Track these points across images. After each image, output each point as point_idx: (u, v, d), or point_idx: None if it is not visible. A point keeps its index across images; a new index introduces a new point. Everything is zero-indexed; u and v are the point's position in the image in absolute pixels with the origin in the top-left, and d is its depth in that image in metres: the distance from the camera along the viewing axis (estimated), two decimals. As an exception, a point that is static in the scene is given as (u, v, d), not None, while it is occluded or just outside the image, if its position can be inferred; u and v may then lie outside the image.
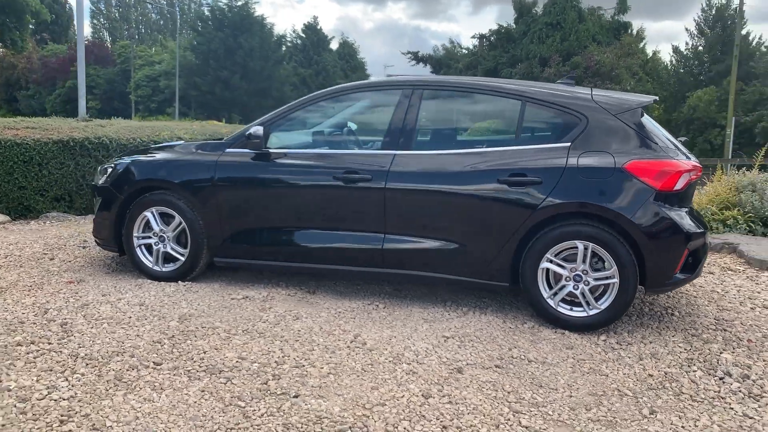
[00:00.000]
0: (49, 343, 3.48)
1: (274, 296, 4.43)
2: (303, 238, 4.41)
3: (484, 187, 4.03)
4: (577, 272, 3.93)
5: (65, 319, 3.85)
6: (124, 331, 3.71)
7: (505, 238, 4.01)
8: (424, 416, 2.88)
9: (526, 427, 2.84)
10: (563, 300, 3.99)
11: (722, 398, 3.17)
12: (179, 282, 4.63)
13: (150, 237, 4.71)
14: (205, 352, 3.43)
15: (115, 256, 5.41)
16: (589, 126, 3.98)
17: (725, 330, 4.03)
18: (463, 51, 39.82)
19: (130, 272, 4.93)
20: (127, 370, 3.19)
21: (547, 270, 3.99)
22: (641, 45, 32.19)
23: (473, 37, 41.00)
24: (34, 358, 3.30)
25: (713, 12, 31.87)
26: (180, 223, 4.61)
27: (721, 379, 3.36)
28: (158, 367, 3.25)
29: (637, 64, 31.06)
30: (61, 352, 3.38)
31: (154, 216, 4.68)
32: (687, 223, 3.89)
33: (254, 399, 2.95)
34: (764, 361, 3.58)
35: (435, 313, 4.20)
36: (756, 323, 4.17)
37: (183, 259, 4.64)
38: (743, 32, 28.99)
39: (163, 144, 5.70)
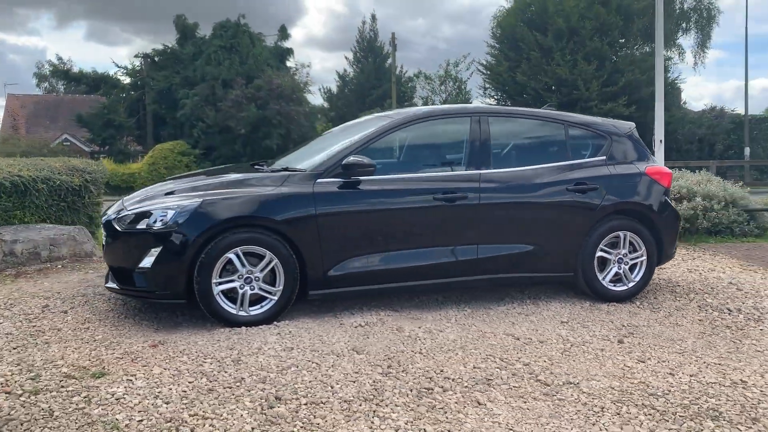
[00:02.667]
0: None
1: (385, 319, 4.54)
2: (404, 258, 4.63)
3: (555, 196, 4.91)
4: (620, 256, 5.10)
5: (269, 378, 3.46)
6: (324, 374, 3.56)
7: (573, 235, 4.95)
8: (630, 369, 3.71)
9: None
10: (610, 279, 5.11)
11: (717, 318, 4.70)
12: (273, 323, 4.35)
13: (233, 280, 4.30)
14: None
15: (126, 302, 4.64)
16: (612, 143, 5.20)
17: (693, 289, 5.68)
18: (121, 69, 37.89)
19: (192, 322, 4.37)
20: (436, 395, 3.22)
21: (600, 257, 5.06)
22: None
23: (137, 56, 39.21)
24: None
25: (366, 44, 36.71)
26: (270, 261, 4.33)
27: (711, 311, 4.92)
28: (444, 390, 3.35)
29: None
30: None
31: (238, 257, 4.29)
32: (677, 209, 5.40)
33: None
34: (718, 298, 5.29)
35: (530, 309, 4.90)
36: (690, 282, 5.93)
37: (275, 298, 4.37)
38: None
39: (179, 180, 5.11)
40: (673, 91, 31.18)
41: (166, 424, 2.95)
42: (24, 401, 3.16)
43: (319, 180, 4.49)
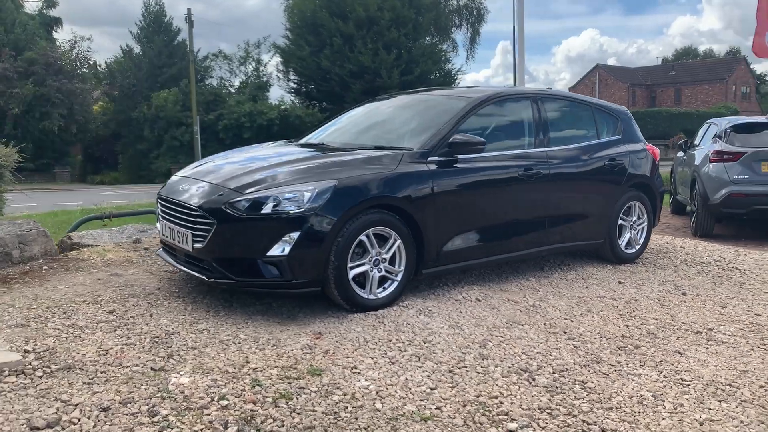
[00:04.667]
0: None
1: (488, 293, 4.68)
2: (497, 233, 4.81)
3: (598, 171, 5.47)
4: (632, 223, 5.85)
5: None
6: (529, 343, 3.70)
7: (608, 206, 5.57)
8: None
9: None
10: (625, 244, 5.85)
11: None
12: (396, 304, 4.25)
13: (363, 263, 4.10)
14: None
15: (203, 294, 4.12)
16: (622, 123, 5.91)
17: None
18: None
19: (312, 309, 4.07)
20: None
21: (619, 225, 5.76)
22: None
23: None
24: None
25: (152, 19, 33.99)
26: (394, 242, 4.22)
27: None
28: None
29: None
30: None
31: (369, 239, 4.10)
32: (660, 179, 6.34)
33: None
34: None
35: (578, 275, 5.39)
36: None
37: (398, 279, 4.27)
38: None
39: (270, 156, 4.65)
40: (450, 80, 34.15)
41: (466, 406, 2.87)
42: (290, 407, 2.80)
43: (429, 158, 4.45)
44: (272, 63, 33.35)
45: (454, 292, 4.60)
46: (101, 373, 3.09)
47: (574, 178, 5.32)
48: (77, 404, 2.76)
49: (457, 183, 4.54)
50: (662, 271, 5.64)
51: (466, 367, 3.31)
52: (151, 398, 2.83)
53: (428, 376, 3.19)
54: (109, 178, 33.92)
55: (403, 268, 4.26)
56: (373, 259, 4.14)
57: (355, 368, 3.25)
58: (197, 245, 4.03)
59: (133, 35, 34.02)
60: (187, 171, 4.76)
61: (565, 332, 3.90)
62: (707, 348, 3.77)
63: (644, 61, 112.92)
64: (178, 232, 4.21)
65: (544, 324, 4.02)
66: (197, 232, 4.03)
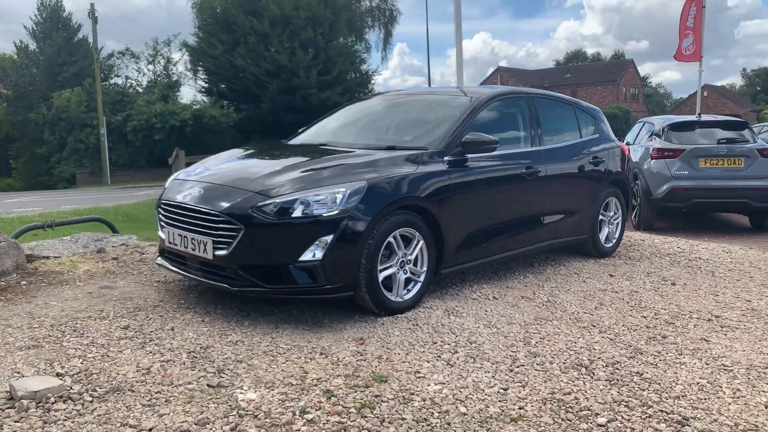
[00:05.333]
0: None
1: (499, 291, 4.72)
2: (505, 230, 4.86)
3: (584, 168, 5.65)
4: (610, 218, 6.10)
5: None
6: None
7: (591, 202, 5.77)
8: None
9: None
10: (604, 239, 6.08)
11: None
12: (421, 305, 4.21)
13: (391, 266, 4.03)
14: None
15: (215, 304, 3.92)
16: (597, 122, 6.14)
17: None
18: None
19: (336, 314, 3.95)
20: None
21: (600, 220, 5.98)
22: None
23: None
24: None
25: (49, 14, 31.82)
26: (417, 243, 4.18)
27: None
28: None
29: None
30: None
31: (396, 240, 4.03)
32: (628, 174, 6.63)
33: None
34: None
35: (567, 271, 5.55)
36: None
37: (421, 280, 4.22)
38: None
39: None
40: (367, 81, 34.22)
41: (547, 404, 2.88)
42: (378, 417, 2.70)
43: (445, 157, 4.43)
44: (183, 62, 31.82)
45: (467, 291, 4.61)
46: (156, 393, 2.85)
47: (567, 175, 5.48)
48: (151, 429, 2.53)
49: (471, 181, 4.55)
50: (640, 263, 5.90)
51: (523, 365, 3.33)
52: (227, 417, 2.64)
53: (492, 376, 3.18)
54: (2, 185, 31.51)
55: (425, 268, 4.23)
56: (400, 260, 4.07)
57: (418, 372, 3.18)
58: (219, 252, 3.81)
59: (28, 31, 31.72)
60: (190, 174, 4.48)
61: (593, 326, 4.00)
62: (726, 334, 3.98)
63: (533, 64, 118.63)
64: (192, 239, 3.96)
65: (570, 319, 4.11)
66: (219, 239, 3.81)
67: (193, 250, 3.95)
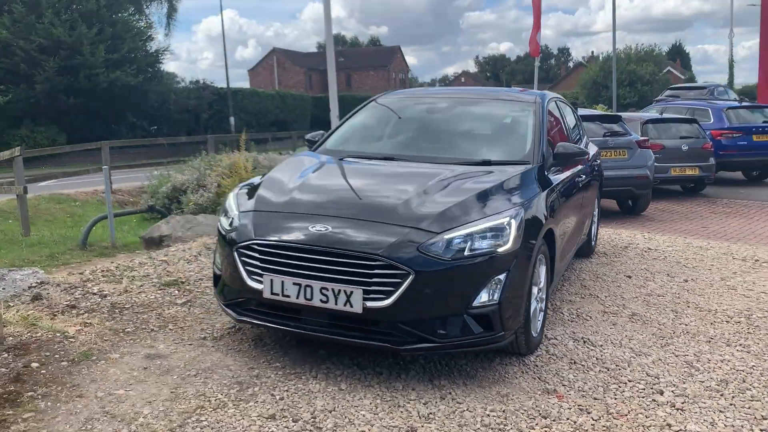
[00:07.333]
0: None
1: (583, 308, 4.55)
2: (571, 241, 4.72)
3: (592, 169, 5.68)
4: (593, 216, 6.26)
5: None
6: None
7: (595, 202, 5.86)
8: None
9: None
10: (590, 238, 6.24)
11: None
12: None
13: (533, 300, 3.61)
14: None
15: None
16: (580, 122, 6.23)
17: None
18: None
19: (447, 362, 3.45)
20: None
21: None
22: None
23: None
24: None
25: None
26: (542, 268, 3.80)
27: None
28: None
29: None
30: None
31: (536, 270, 3.62)
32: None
33: None
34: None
35: (587, 273, 5.57)
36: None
37: (543, 308, 3.84)
38: None
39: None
40: (156, 60, 31.25)
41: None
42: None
43: (546, 172, 4.10)
44: None
45: (550, 313, 4.36)
46: None
47: (590, 179, 5.46)
48: None
49: (561, 195, 4.27)
50: (630, 262, 6.14)
51: (740, 390, 3.19)
52: None
53: (722, 412, 3.00)
54: None
55: (545, 294, 3.87)
56: (538, 286, 3.67)
57: (669, 426, 2.87)
58: (374, 304, 3.04)
59: None
60: (299, 206, 3.48)
61: (714, 338, 4.02)
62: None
63: (282, 43, 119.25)
64: (322, 289, 3.11)
65: (683, 333, 4.08)
66: (374, 287, 3.05)
67: (324, 302, 3.12)
